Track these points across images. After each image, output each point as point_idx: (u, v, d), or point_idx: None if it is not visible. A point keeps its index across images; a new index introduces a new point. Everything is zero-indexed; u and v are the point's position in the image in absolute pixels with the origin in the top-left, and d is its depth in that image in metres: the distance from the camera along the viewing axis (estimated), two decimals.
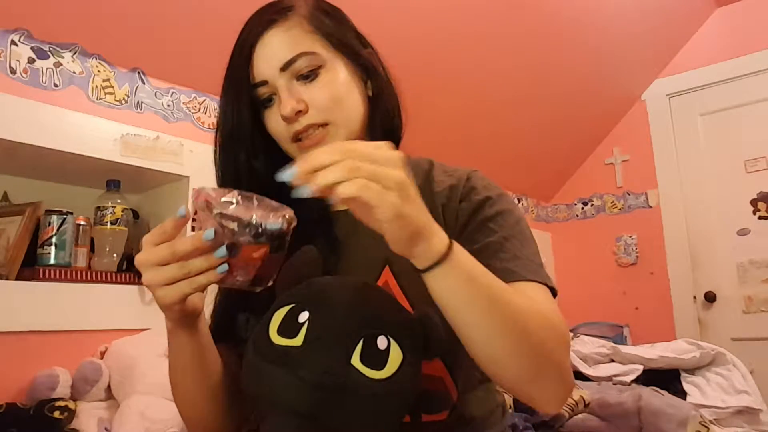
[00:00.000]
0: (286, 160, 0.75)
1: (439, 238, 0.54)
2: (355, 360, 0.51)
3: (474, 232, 0.72)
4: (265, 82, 0.72)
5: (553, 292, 0.70)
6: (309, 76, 0.72)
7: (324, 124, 0.72)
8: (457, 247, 0.56)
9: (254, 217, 0.53)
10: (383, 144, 0.52)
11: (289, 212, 0.56)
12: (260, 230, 0.53)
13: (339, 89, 0.73)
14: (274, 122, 0.74)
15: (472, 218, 0.73)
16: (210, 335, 0.71)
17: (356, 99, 0.76)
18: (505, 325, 0.56)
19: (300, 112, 0.71)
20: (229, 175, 0.76)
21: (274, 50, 0.72)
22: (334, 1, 0.81)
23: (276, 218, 0.54)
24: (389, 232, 0.51)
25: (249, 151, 0.75)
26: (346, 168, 0.48)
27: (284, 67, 0.71)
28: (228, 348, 0.76)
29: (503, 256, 0.69)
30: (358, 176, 0.47)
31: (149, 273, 0.58)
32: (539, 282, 0.68)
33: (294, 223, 0.56)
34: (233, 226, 0.53)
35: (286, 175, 0.49)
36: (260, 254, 0.55)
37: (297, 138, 0.73)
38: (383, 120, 0.78)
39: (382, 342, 0.53)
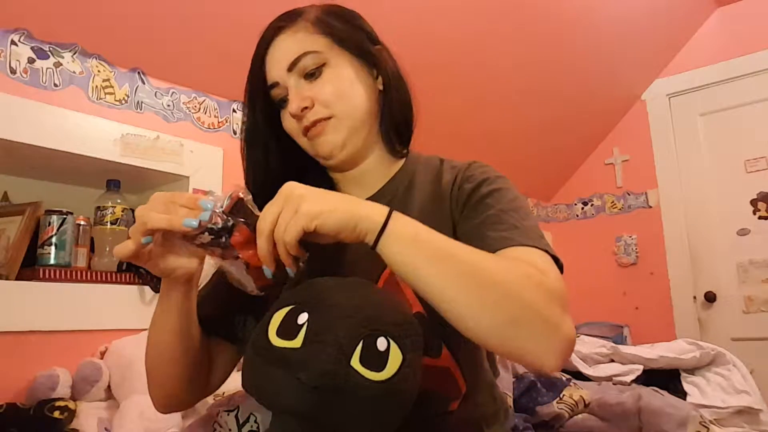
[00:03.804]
0: (304, 155, 0.83)
1: (375, 210, 0.60)
2: (355, 361, 0.51)
3: (473, 209, 0.75)
4: (277, 84, 0.78)
5: (559, 264, 0.68)
6: (314, 73, 0.77)
7: (328, 118, 0.77)
8: (398, 215, 0.61)
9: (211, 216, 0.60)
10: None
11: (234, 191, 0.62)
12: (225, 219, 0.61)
13: (342, 84, 0.77)
14: (288, 120, 0.79)
15: (471, 197, 0.76)
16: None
17: (361, 93, 0.79)
18: (461, 277, 0.58)
19: (306, 108, 0.76)
20: (251, 171, 0.83)
21: (282, 53, 0.77)
22: (338, 0, 0.83)
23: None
24: (327, 231, 0.58)
25: (265, 149, 0.82)
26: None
27: (290, 67, 0.76)
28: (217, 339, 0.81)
29: (500, 226, 0.70)
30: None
31: None
32: (538, 248, 0.67)
33: (239, 198, 0.61)
34: (207, 238, 0.61)
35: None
36: (243, 235, 0.61)
37: (306, 133, 0.78)
38: (394, 113, 0.82)
39: (381, 343, 0.52)
